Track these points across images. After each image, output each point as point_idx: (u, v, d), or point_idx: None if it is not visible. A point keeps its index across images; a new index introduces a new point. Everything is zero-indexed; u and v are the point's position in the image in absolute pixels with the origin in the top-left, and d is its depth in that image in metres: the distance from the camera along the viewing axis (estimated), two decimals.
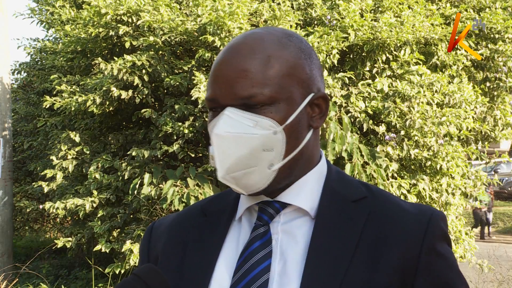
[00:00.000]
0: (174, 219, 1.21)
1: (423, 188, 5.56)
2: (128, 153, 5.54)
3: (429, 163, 5.60)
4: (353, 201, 1.10)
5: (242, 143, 1.02)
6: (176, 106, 5.40)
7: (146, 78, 5.53)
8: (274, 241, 1.07)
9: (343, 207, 1.09)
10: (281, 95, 1.04)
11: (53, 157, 6.04)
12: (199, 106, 5.15)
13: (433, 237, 1.06)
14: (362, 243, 1.04)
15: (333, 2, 6.15)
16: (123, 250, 5.17)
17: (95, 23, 6.04)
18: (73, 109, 5.70)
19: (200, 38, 5.37)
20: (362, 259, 1.03)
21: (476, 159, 6.49)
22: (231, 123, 1.03)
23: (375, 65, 5.81)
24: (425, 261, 1.04)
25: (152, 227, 1.23)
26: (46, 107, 6.16)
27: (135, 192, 5.26)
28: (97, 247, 5.41)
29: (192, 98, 5.11)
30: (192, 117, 5.48)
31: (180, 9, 6.15)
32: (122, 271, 5.23)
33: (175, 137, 5.49)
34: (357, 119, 5.37)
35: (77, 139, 5.93)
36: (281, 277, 1.04)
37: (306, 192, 1.10)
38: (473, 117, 6.08)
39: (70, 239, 5.87)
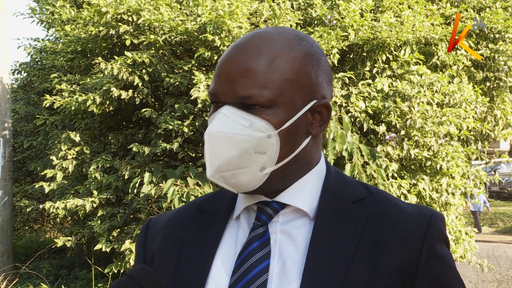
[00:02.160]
0: (171, 217, 1.20)
1: (423, 188, 5.56)
2: (129, 147, 5.55)
3: (429, 163, 5.60)
4: (352, 201, 1.09)
5: (234, 143, 1.01)
6: (176, 106, 5.40)
7: (146, 77, 5.53)
8: (272, 241, 1.06)
9: (343, 208, 1.08)
10: (281, 99, 1.02)
11: (53, 157, 6.04)
12: (199, 105, 5.16)
13: (432, 238, 1.05)
14: (362, 244, 1.04)
15: (333, 2, 6.15)
16: (122, 249, 5.17)
17: (96, 22, 6.05)
18: (73, 108, 5.71)
19: (200, 37, 5.38)
20: (362, 260, 1.02)
21: (476, 159, 6.49)
22: (226, 122, 1.02)
23: (375, 65, 5.81)
24: (425, 263, 1.04)
25: (148, 224, 1.22)
26: (46, 106, 6.16)
27: (135, 191, 5.27)
28: (98, 247, 5.41)
29: (192, 98, 5.11)
30: (192, 116, 5.48)
31: (180, 8, 6.16)
32: (122, 271, 5.23)
33: (174, 135, 5.49)
34: (357, 119, 5.37)
35: (77, 139, 5.93)
36: (280, 277, 1.03)
37: (305, 193, 1.09)
38: (473, 116, 6.08)
39: (70, 238, 5.87)
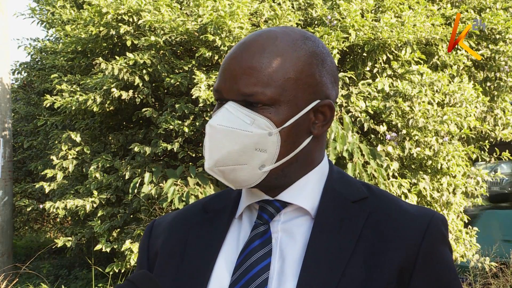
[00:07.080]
0: (175, 217, 1.21)
1: (424, 188, 5.56)
2: (130, 147, 5.56)
3: (429, 162, 5.60)
4: (353, 201, 1.09)
5: (235, 138, 1.02)
6: (177, 106, 5.41)
7: (146, 78, 5.53)
8: (274, 240, 1.07)
9: (343, 207, 1.08)
10: (283, 97, 1.03)
11: (53, 157, 6.04)
12: (200, 105, 5.16)
13: (432, 238, 1.05)
14: (361, 243, 1.04)
15: (334, 2, 6.14)
16: (122, 249, 5.18)
17: (96, 22, 6.05)
18: (73, 108, 5.71)
19: (201, 37, 5.38)
20: (360, 259, 1.03)
21: (476, 159, 6.48)
22: (228, 117, 1.03)
23: (375, 65, 5.81)
24: (422, 263, 1.04)
25: (152, 224, 1.23)
26: (47, 106, 6.16)
27: (135, 191, 5.27)
28: (98, 247, 5.41)
29: (193, 97, 5.11)
30: (193, 116, 5.48)
31: (180, 9, 6.15)
32: (122, 271, 5.23)
33: (174, 135, 5.49)
34: (358, 119, 5.37)
35: (78, 139, 5.93)
36: (280, 275, 1.04)
37: (307, 192, 1.09)
38: (474, 115, 6.07)
39: (70, 238, 5.87)
